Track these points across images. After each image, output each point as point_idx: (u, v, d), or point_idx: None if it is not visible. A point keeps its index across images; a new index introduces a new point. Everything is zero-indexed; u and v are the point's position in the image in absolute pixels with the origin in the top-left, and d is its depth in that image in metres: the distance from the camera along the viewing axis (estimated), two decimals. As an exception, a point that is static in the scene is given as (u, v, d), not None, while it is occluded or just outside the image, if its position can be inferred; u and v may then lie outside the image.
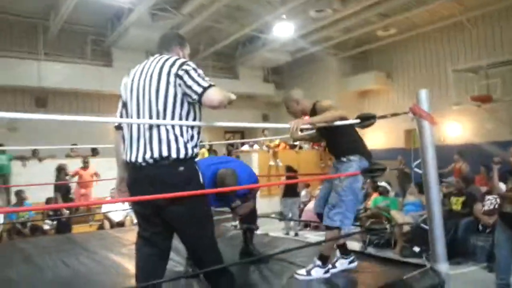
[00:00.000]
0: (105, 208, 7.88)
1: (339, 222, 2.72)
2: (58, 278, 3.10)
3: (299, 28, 10.89)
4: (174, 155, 1.91)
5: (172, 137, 1.93)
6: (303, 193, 9.61)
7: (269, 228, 7.46)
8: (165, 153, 1.91)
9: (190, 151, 1.95)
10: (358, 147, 2.88)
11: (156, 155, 1.91)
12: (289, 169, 8.66)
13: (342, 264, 2.94)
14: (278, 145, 11.66)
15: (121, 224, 7.66)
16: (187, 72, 1.96)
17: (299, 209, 8.92)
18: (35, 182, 7.63)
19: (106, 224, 7.77)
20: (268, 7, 9.76)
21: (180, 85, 1.95)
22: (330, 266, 2.81)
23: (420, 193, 6.95)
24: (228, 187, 2.86)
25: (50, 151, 9.58)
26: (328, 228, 2.79)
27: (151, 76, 1.99)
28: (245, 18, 10.69)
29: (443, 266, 2.68)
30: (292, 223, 8.36)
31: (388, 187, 7.99)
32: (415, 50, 12.31)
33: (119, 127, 2.18)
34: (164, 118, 1.94)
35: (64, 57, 11.06)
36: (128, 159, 2.00)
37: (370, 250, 6.57)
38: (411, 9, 9.97)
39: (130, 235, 4.35)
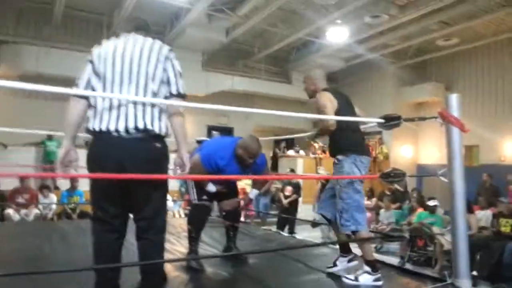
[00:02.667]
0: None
1: (353, 227, 2.69)
2: (85, 256, 3.28)
3: (354, 34, 10.63)
4: (156, 130, 1.96)
5: (156, 113, 1.97)
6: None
7: (309, 236, 7.34)
8: (149, 126, 1.94)
9: (166, 129, 2.03)
10: (346, 145, 2.82)
11: (141, 126, 1.90)
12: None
13: (341, 262, 2.94)
14: (324, 151, 11.36)
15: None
16: (172, 60, 2.09)
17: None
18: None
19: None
20: (322, 11, 9.64)
21: (165, 69, 2.04)
22: (379, 274, 2.69)
23: (469, 212, 6.51)
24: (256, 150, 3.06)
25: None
26: (348, 235, 2.79)
27: (140, 53, 2.03)
28: (300, 22, 10.65)
29: (464, 283, 2.52)
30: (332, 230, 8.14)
31: (437, 203, 7.58)
32: (478, 62, 11.52)
33: (83, 96, 2.03)
34: (158, 95, 2.01)
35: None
36: (98, 128, 1.93)
37: (409, 267, 6.28)
38: (475, 17, 9.23)
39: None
